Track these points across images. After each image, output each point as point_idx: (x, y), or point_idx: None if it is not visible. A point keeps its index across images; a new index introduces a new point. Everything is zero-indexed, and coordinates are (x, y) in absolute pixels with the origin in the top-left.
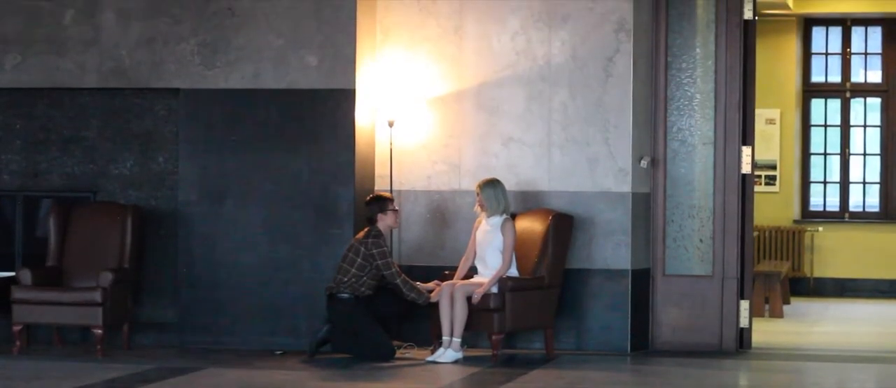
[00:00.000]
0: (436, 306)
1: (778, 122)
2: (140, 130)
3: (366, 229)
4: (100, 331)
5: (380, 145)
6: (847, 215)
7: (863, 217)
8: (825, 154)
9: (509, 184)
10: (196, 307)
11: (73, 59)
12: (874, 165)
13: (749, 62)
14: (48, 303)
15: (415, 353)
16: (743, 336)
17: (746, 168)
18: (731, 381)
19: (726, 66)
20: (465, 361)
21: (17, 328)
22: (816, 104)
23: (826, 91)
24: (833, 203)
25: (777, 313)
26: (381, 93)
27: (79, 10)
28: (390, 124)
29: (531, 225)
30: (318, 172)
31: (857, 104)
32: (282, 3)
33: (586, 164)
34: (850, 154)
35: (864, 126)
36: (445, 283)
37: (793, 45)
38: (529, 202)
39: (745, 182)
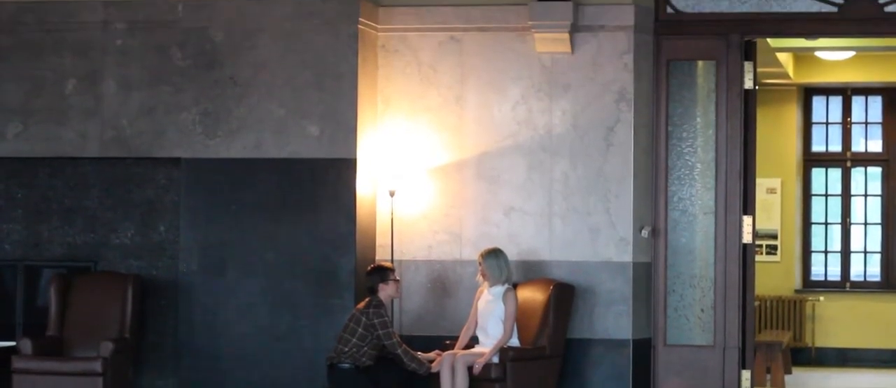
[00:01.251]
0: (437, 376)
1: (779, 191)
2: (141, 199)
3: (367, 299)
4: None
5: (381, 215)
6: (848, 284)
7: (864, 287)
8: (826, 223)
9: (511, 253)
10: (197, 377)
11: (75, 128)
12: (875, 234)
13: (750, 131)
14: (49, 373)
15: None
16: None
17: (747, 238)
18: None
19: (727, 135)
20: None
21: None
22: (817, 173)
23: (827, 160)
24: (834, 273)
25: (779, 384)
26: (382, 162)
27: (80, 80)
28: (391, 194)
29: (533, 295)
30: (319, 241)
31: (857, 173)
32: (284, 72)
33: (588, 233)
34: (851, 223)
35: (865, 195)
36: (446, 353)
37: (793, 115)
38: (531, 272)
39: (746, 252)
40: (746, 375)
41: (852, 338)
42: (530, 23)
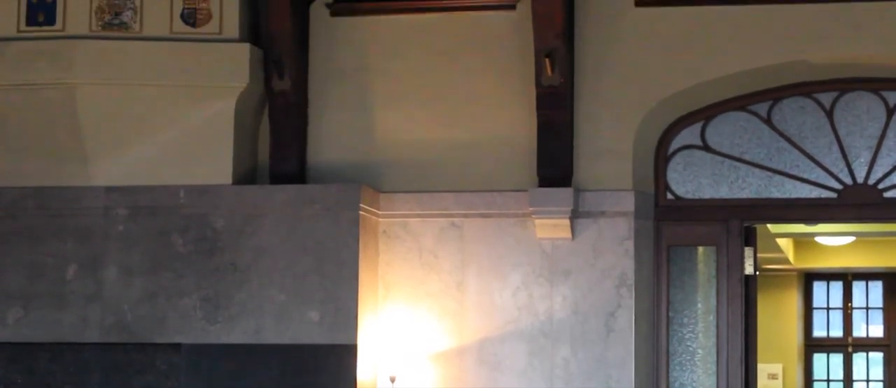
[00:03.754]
0: None
1: (780, 377)
2: (141, 385)
3: None
4: None
5: None
6: None
7: None
8: None
9: None
10: None
11: (76, 313)
12: None
13: (751, 317)
14: None
15: None
16: None
17: None
18: None
19: (728, 321)
20: None
21: None
22: (819, 359)
23: (828, 346)
24: None
25: None
26: (382, 348)
27: (81, 265)
28: (392, 380)
29: None
30: None
31: (859, 359)
32: (284, 258)
33: None
34: None
35: (867, 380)
36: None
37: (794, 300)
38: None
39: None
40: None
41: None
42: (531, 209)
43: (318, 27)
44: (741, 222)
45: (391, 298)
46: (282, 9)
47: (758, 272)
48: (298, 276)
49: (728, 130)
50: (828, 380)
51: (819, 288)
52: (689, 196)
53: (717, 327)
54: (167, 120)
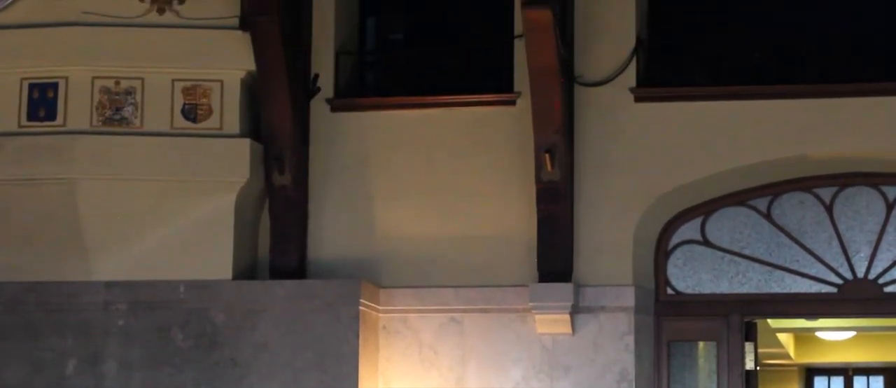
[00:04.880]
0: None
1: None
2: None
3: None
4: None
5: None
6: None
7: None
8: None
9: None
10: None
11: None
12: None
13: None
14: None
15: None
16: None
17: None
18: None
19: None
20: None
21: None
22: None
23: None
24: None
25: None
26: None
27: (81, 360)
28: None
29: None
30: None
31: None
32: (284, 353)
33: None
34: None
35: None
36: None
37: None
38: None
39: None
40: None
41: None
42: (531, 304)
43: (318, 122)
44: (742, 316)
45: None
46: (282, 104)
47: (759, 368)
48: (298, 371)
49: (728, 225)
50: None
51: (820, 383)
52: (690, 291)
53: None
54: (167, 215)
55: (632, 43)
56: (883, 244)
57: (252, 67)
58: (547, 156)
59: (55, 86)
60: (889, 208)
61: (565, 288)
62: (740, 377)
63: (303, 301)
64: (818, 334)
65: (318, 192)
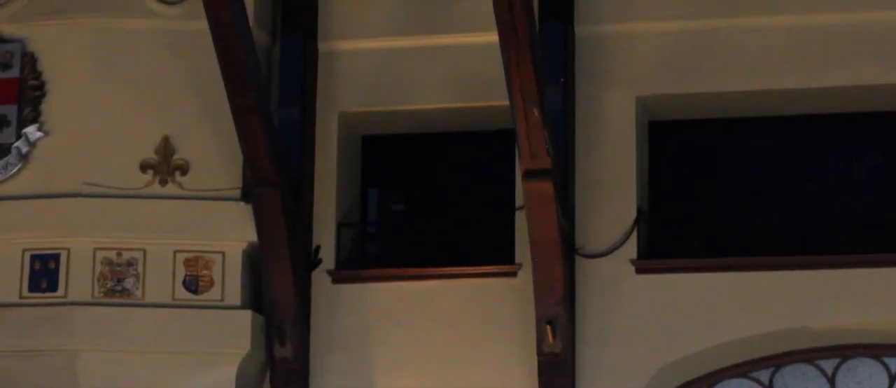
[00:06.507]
0: None
1: None
2: None
3: None
4: None
5: None
6: None
7: None
8: None
9: None
10: None
11: None
12: None
13: None
14: None
15: None
16: None
17: None
18: None
19: None
20: None
21: None
22: None
23: None
24: None
25: None
26: None
27: None
28: None
29: None
30: None
31: None
32: None
33: None
34: None
35: None
36: None
37: None
38: None
39: None
40: None
41: None
42: None
43: (319, 294)
44: None
45: None
46: (283, 276)
47: None
48: None
49: None
50: None
51: None
52: None
53: None
54: (169, 387)
55: (633, 214)
56: None
57: (254, 238)
58: (548, 328)
59: (57, 257)
60: (892, 379)
61: None
62: None
63: None
64: None
65: (320, 364)
